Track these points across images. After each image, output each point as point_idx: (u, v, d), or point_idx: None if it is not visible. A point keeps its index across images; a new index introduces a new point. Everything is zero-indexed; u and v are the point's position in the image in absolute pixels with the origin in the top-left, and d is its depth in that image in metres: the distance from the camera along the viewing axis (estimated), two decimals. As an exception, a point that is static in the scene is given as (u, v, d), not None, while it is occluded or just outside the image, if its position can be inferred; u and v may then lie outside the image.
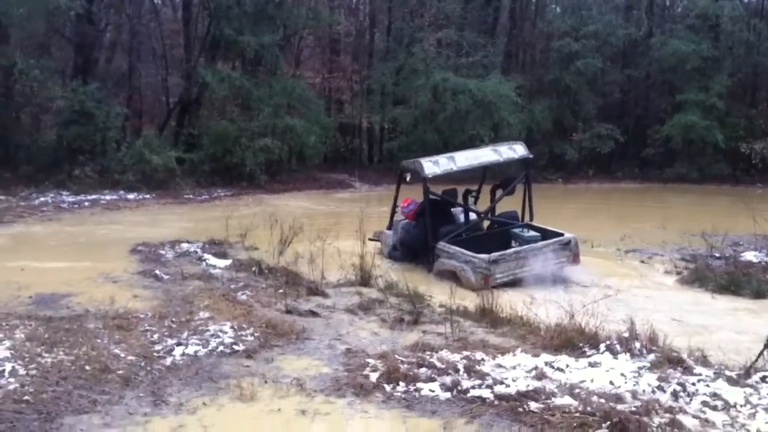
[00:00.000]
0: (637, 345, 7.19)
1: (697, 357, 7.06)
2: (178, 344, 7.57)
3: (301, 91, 27.43)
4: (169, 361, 7.13)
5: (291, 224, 13.00)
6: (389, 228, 13.84)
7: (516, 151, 13.18)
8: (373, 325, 8.69)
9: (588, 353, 7.22)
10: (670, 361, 6.88)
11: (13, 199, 19.54)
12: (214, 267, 11.91)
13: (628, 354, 7.05)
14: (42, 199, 19.94)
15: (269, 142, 24.91)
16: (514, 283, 11.36)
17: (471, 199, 13.84)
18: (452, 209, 13.63)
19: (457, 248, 11.94)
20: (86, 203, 20.04)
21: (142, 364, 6.98)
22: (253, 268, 11.55)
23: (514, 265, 11.50)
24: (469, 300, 9.36)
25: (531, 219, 13.20)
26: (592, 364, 6.85)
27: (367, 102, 32.59)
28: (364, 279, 10.92)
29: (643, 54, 33.05)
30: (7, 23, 22.44)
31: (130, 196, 21.41)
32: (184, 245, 13.65)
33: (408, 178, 13.29)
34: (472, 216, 13.54)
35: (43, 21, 23.86)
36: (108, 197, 20.99)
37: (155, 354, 7.29)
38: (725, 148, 29.59)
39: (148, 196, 21.69)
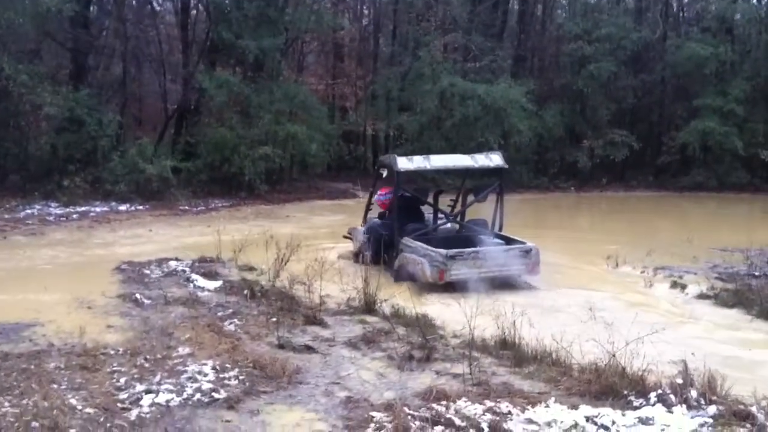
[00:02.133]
0: (694, 394, 6.04)
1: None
2: (148, 391, 6.43)
3: (303, 97, 26.26)
4: (134, 414, 5.99)
5: (289, 240, 11.84)
6: (363, 224, 13.94)
7: (492, 160, 13.16)
8: (378, 363, 7.51)
9: (635, 404, 6.06)
10: (736, 415, 5.74)
11: (-3, 211, 18.43)
12: (202, 289, 10.79)
13: (684, 406, 5.90)
14: (28, 211, 18.78)
15: (269, 150, 23.73)
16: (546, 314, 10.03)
17: (448, 205, 13.90)
18: (422, 209, 13.71)
19: (419, 243, 12.07)
20: (74, 216, 18.87)
21: (101, 419, 5.83)
22: (245, 292, 10.41)
23: (471, 264, 11.57)
24: (488, 330, 8.14)
25: (500, 228, 13.10)
26: (642, 420, 5.71)
27: (372, 108, 31.35)
28: (368, 304, 9.74)
29: (658, 58, 31.88)
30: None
31: (122, 207, 20.24)
32: (172, 263, 12.50)
33: (384, 174, 13.28)
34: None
35: (33, 25, 22.66)
36: (98, 209, 19.83)
37: (119, 404, 6.15)
38: (744, 155, 28.46)
39: (141, 207, 20.52)
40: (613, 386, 6.37)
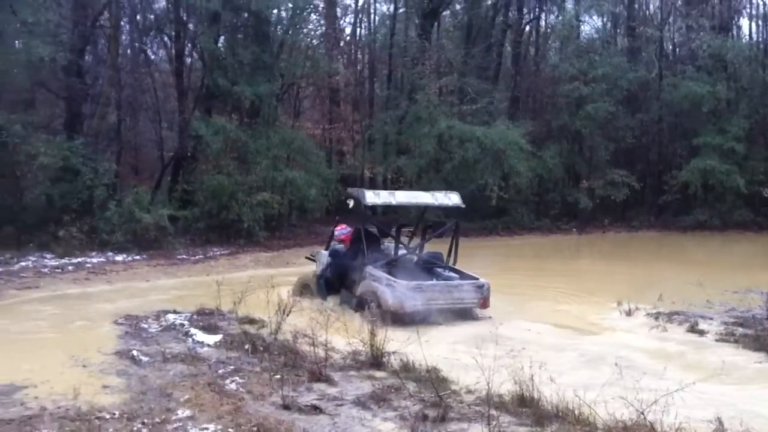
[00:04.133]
0: (733, 456, 5.64)
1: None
2: (146, 462, 6.01)
3: (300, 142, 26.15)
4: (132, 488, 5.56)
5: (290, 289, 11.47)
6: (327, 249, 14.62)
7: (451, 199, 13.98)
8: (389, 425, 7.08)
9: (671, 468, 5.66)
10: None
11: (-9, 264, 17.97)
12: (202, 344, 10.35)
13: (724, 470, 5.49)
14: (22, 263, 18.30)
15: (268, 196, 23.53)
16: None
17: (406, 236, 14.61)
18: (383, 241, 14.47)
19: (383, 273, 12.69)
20: (70, 267, 18.41)
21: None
22: (246, 346, 9.97)
23: (430, 296, 12.24)
24: (504, 386, 7.71)
25: (454, 263, 13.79)
26: (681, 486, 5.29)
27: (370, 152, 31.20)
28: (375, 358, 9.32)
29: (654, 97, 31.97)
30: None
31: (119, 257, 19.82)
32: (170, 317, 12.07)
33: (351, 205, 13.97)
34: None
35: (27, 74, 22.50)
36: (95, 260, 19.41)
37: (115, 478, 5.73)
38: (746, 193, 28.34)
39: (138, 257, 20.10)
40: (645, 448, 5.98)
